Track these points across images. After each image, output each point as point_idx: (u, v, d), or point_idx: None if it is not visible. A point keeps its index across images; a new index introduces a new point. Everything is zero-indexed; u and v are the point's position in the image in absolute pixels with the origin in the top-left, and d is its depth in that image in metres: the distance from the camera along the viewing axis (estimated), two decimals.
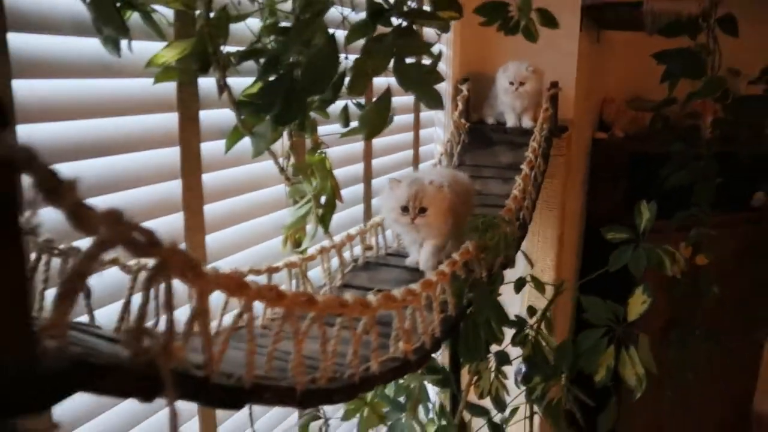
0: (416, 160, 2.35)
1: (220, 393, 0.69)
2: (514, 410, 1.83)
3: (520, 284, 1.81)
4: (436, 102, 1.30)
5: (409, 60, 1.25)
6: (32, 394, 0.46)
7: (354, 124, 1.41)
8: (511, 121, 2.38)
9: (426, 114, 2.40)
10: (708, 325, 3.08)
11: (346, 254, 1.63)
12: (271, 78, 1.20)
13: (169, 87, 1.22)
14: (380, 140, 2.02)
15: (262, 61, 1.25)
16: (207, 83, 1.28)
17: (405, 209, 1.52)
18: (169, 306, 0.60)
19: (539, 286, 1.92)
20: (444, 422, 1.73)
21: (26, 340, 0.47)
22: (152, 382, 0.58)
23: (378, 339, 1.00)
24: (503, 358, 1.67)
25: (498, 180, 2.22)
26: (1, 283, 0.43)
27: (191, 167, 1.28)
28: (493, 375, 1.69)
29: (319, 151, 1.57)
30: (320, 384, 0.88)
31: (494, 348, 1.62)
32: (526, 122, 2.35)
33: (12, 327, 0.45)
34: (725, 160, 2.77)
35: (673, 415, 3.34)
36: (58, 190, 0.46)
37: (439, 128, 2.54)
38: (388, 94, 1.31)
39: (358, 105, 1.47)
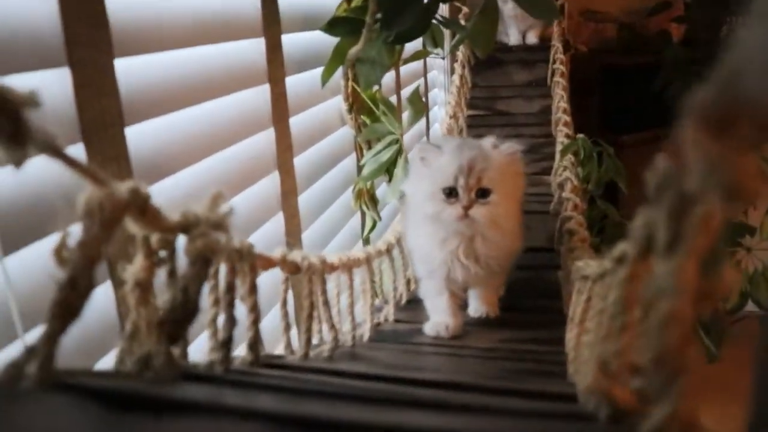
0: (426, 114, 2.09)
1: None
2: None
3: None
4: (550, 12, 1.08)
5: None
6: None
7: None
8: (514, 39, 2.17)
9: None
10: None
11: None
12: None
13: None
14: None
15: None
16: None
17: (452, 192, 0.90)
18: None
19: None
20: None
21: None
22: None
23: None
24: None
25: (519, 98, 2.03)
26: None
27: (280, 110, 0.97)
28: None
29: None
30: None
31: None
32: (531, 39, 2.15)
33: None
34: None
35: None
36: None
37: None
38: (494, 2, 1.06)
39: (443, 22, 1.19)
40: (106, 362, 0.61)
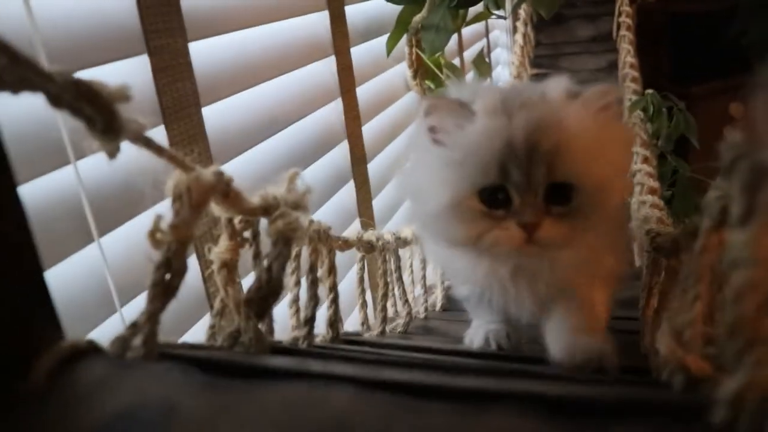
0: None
1: None
2: None
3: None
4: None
5: None
6: None
7: None
8: None
9: None
10: None
11: None
12: None
13: None
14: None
15: None
16: None
17: (497, 194, 0.48)
18: None
19: None
20: None
21: None
22: None
23: None
24: None
25: (584, 54, 1.99)
26: None
27: (347, 80, 0.99)
28: None
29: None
30: None
31: None
32: None
33: None
34: None
35: None
36: None
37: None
38: None
39: None
40: (195, 333, 0.64)
